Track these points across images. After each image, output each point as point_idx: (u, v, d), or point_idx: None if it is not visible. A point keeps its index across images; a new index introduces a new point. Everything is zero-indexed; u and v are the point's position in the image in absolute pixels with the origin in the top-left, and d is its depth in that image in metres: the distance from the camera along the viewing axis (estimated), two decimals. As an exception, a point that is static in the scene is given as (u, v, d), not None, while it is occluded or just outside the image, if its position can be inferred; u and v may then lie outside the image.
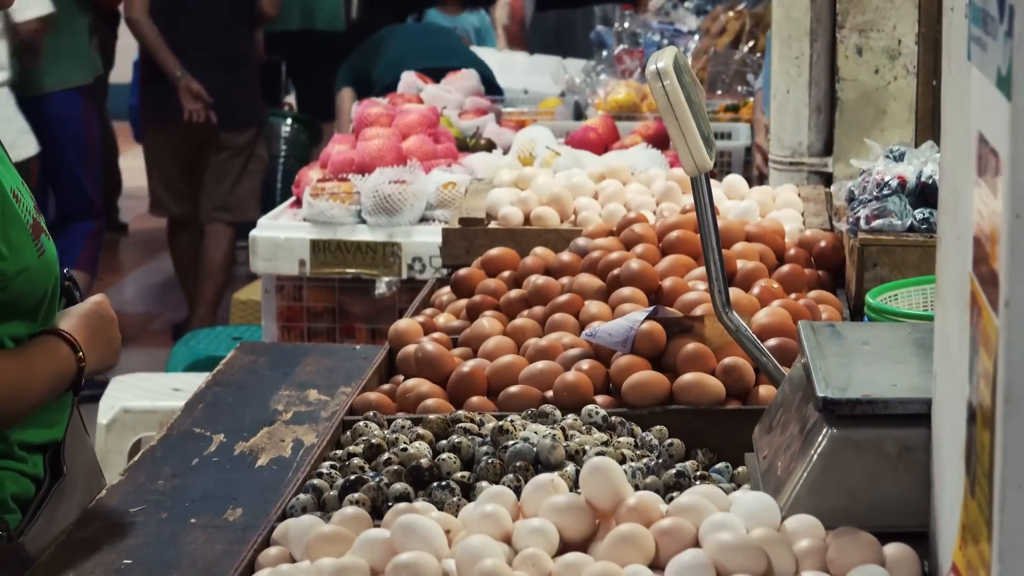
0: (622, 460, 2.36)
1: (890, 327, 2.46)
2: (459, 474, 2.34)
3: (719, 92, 6.69)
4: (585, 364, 2.73)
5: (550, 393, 2.69)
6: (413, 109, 5.32)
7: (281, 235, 4.78)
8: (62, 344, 2.48)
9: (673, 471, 2.30)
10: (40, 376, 2.43)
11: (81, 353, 2.48)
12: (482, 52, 7.91)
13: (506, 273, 3.27)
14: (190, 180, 7.63)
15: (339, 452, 2.52)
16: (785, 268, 3.18)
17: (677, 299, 2.98)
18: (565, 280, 3.14)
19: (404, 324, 3.06)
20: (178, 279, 7.87)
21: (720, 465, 2.45)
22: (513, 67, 8.12)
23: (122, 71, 9.78)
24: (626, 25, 7.86)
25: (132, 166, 9.72)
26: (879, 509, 1.95)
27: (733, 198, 3.71)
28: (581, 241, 3.33)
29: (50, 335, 2.48)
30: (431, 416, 2.54)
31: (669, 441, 2.51)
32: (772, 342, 2.74)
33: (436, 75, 6.28)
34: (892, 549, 1.90)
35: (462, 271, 3.33)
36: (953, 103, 1.75)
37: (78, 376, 2.49)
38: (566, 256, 3.26)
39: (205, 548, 2.34)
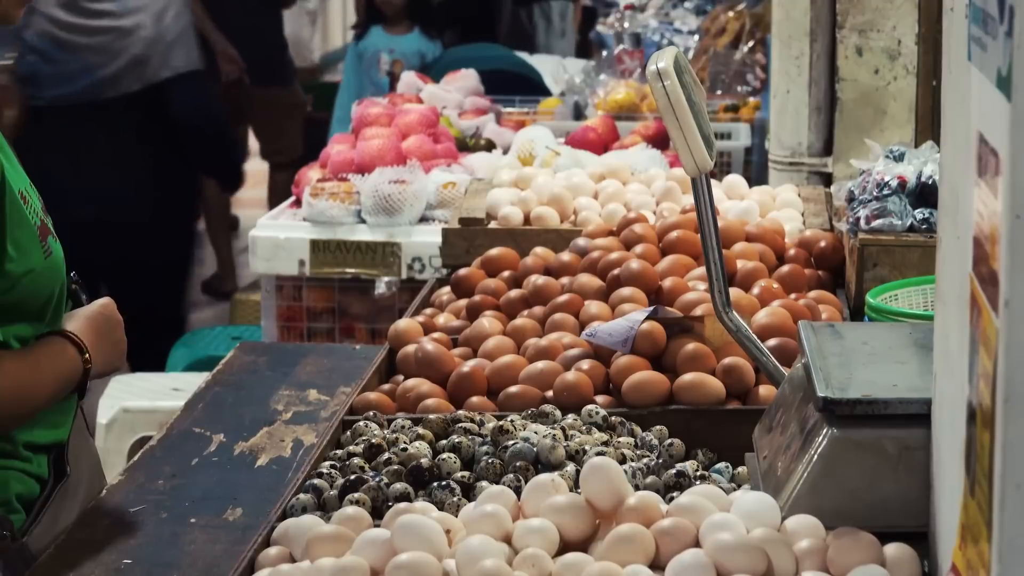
0: (622, 460, 2.36)
1: (890, 327, 2.46)
2: (459, 474, 2.34)
3: (719, 92, 6.69)
4: (585, 364, 2.73)
5: (550, 393, 2.68)
6: (413, 109, 5.31)
7: (281, 235, 4.77)
8: (68, 345, 2.47)
9: (673, 471, 2.29)
10: (46, 377, 2.43)
11: (87, 355, 2.48)
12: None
13: (506, 273, 3.27)
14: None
15: (339, 452, 2.52)
16: (785, 268, 3.18)
17: (677, 299, 2.98)
18: (565, 280, 3.14)
19: (404, 324, 3.06)
20: (208, 236, 8.68)
21: (720, 465, 2.45)
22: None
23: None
24: (626, 25, 7.86)
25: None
26: (879, 509, 1.95)
27: (733, 198, 3.71)
28: (581, 241, 3.32)
29: (56, 336, 2.47)
30: (431, 416, 2.54)
31: (669, 441, 2.51)
32: (772, 342, 2.74)
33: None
34: (892, 549, 1.90)
35: (462, 271, 3.32)
36: (953, 103, 1.75)
37: (84, 378, 2.49)
38: (566, 256, 3.26)
39: (205, 548, 2.33)
